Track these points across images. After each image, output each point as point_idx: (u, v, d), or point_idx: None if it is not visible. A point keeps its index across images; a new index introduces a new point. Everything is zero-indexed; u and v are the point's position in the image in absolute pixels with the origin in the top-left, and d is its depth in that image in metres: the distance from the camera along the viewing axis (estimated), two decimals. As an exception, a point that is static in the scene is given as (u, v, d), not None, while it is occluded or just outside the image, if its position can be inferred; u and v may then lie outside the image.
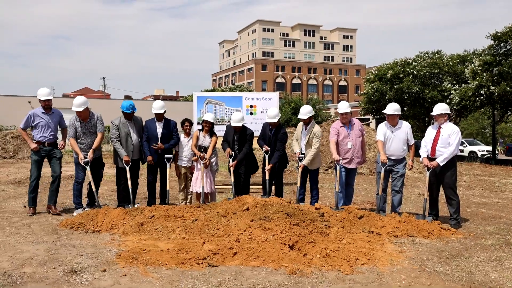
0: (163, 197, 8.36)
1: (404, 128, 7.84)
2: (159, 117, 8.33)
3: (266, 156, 8.36)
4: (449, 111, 7.61)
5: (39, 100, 7.87)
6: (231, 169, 8.19)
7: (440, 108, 7.58)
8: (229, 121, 9.18)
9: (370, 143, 17.04)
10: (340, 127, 8.14)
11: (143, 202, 9.11)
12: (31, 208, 7.88)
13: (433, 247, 6.06)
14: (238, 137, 8.26)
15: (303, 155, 8.25)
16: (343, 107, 8.14)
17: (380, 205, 7.92)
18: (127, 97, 69.56)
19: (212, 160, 8.40)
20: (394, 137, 7.83)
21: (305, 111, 8.26)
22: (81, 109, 7.74)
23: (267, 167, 8.23)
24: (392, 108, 7.83)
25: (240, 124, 8.14)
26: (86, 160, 7.76)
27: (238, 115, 8.21)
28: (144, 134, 8.26)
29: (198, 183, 8.21)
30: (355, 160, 8.11)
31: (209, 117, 8.35)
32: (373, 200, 9.78)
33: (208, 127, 8.35)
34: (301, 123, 8.52)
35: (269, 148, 8.35)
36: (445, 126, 7.50)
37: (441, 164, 7.35)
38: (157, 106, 8.30)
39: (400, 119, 8.01)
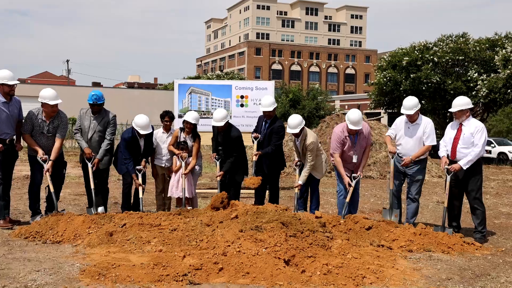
0: (136, 205, 8.30)
1: (423, 124, 7.81)
2: (144, 135, 8.17)
3: (256, 142, 8.35)
4: (471, 106, 7.58)
5: (1, 84, 7.46)
6: (217, 179, 8.19)
7: (460, 102, 7.54)
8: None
9: (381, 142, 17.11)
10: (346, 136, 7.89)
11: (113, 208, 9.09)
12: (6, 219, 7.60)
13: (454, 265, 6.10)
14: (222, 138, 8.21)
15: (298, 165, 8.28)
16: (354, 120, 7.65)
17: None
18: (96, 84, 69.39)
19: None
20: (409, 134, 7.83)
21: (294, 124, 7.91)
22: (56, 102, 7.59)
23: (254, 152, 8.24)
24: (411, 104, 7.73)
25: (221, 124, 7.99)
26: (45, 156, 7.66)
27: (220, 112, 8.06)
28: (122, 150, 8.09)
29: (180, 187, 8.18)
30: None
31: (190, 116, 8.24)
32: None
33: (189, 128, 8.29)
34: None
35: (259, 135, 8.35)
36: (467, 123, 7.49)
37: (464, 168, 7.35)
38: (144, 125, 8.01)
39: (421, 113, 7.98)
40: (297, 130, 7.90)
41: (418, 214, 8.13)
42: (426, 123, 7.82)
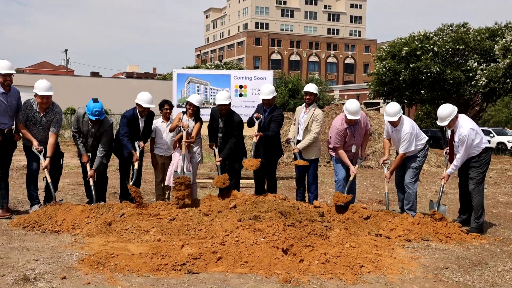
0: (137, 179, 8.21)
1: (402, 131, 7.73)
2: (145, 112, 8.19)
3: (257, 123, 8.30)
4: (456, 110, 7.43)
5: None
6: (217, 164, 8.17)
7: (446, 113, 7.40)
8: (215, 104, 9.11)
9: (380, 131, 17.10)
10: (345, 128, 7.92)
11: (112, 198, 9.11)
12: (4, 208, 7.62)
13: (452, 254, 6.12)
14: (224, 123, 8.17)
15: (292, 141, 8.34)
16: (353, 110, 7.75)
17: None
18: (94, 74, 69.18)
19: (194, 150, 8.37)
20: (393, 138, 7.97)
21: (314, 87, 8.37)
22: (49, 93, 7.54)
23: (255, 132, 8.18)
24: (394, 111, 7.70)
25: (226, 102, 7.93)
26: (40, 147, 7.67)
27: (223, 93, 8.09)
28: (121, 127, 8.11)
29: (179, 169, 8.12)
30: (354, 161, 8.19)
31: (194, 99, 8.25)
32: (382, 198, 9.80)
33: (193, 111, 8.27)
34: (300, 107, 8.51)
35: (261, 115, 8.33)
36: (457, 128, 7.44)
37: (451, 174, 7.58)
38: (146, 99, 8.09)
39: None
40: (315, 91, 8.30)
41: (416, 203, 8.10)
42: (404, 131, 7.71)
